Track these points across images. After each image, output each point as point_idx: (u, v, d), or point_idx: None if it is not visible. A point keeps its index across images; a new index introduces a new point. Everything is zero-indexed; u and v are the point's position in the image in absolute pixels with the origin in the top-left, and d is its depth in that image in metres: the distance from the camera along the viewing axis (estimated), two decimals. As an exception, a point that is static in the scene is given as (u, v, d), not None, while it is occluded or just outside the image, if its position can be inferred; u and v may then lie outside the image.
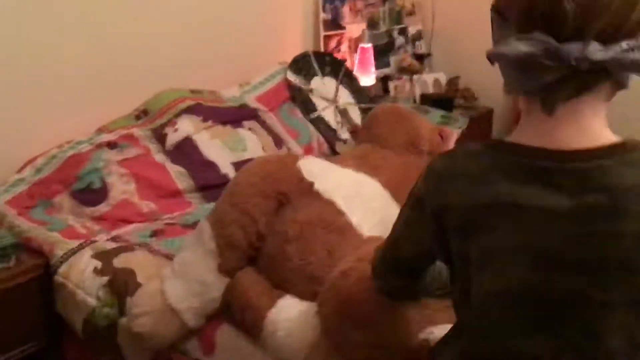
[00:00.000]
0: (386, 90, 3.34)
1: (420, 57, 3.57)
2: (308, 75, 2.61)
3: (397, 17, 3.50)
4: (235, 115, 2.32)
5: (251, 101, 2.43)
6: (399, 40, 3.53)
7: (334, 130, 2.51)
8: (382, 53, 3.38)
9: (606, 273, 0.78)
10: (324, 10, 3.02)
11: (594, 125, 0.79)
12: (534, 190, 0.79)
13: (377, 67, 3.23)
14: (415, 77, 3.44)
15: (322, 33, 3.02)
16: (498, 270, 0.82)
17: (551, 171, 0.79)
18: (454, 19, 3.54)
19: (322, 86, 2.63)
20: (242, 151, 2.21)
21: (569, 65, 0.73)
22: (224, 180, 2.02)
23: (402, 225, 0.98)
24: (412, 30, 3.59)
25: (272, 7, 2.79)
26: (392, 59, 3.48)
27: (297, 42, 2.90)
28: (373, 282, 1.10)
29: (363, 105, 2.68)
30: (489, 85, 3.40)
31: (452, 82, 3.48)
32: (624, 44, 0.73)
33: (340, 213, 1.47)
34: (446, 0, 3.53)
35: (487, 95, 3.43)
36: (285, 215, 1.47)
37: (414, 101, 3.27)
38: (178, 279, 1.51)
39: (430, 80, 3.46)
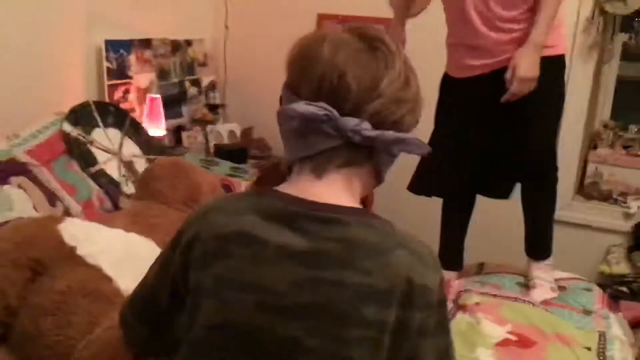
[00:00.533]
0: (179, 141, 3.27)
1: (214, 108, 3.56)
2: (88, 126, 2.45)
3: (189, 67, 3.47)
4: (0, 171, 2.10)
5: (21, 155, 2.21)
6: (192, 90, 3.49)
7: (118, 184, 2.38)
8: (174, 103, 3.31)
9: (324, 323, 0.81)
10: (107, 58, 2.89)
11: (348, 193, 0.90)
12: (278, 229, 0.85)
13: (169, 117, 3.15)
14: (209, 127, 3.42)
15: (106, 82, 2.89)
16: (224, 301, 0.84)
17: (299, 215, 0.86)
18: (246, 71, 3.60)
19: (105, 138, 2.49)
20: (7, 211, 1.98)
21: (343, 136, 0.85)
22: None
23: (158, 264, 0.99)
24: (205, 81, 3.58)
25: (48, 51, 2.60)
26: (185, 110, 3.43)
27: (77, 91, 2.72)
28: (120, 332, 1.05)
29: (151, 157, 2.58)
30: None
31: (246, 132, 3.51)
32: (390, 133, 0.86)
33: (107, 279, 1.36)
34: (238, 51, 3.58)
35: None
36: (43, 285, 1.32)
37: (208, 152, 3.24)
38: None
39: (224, 131, 3.46)
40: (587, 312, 2.04)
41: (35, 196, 2.11)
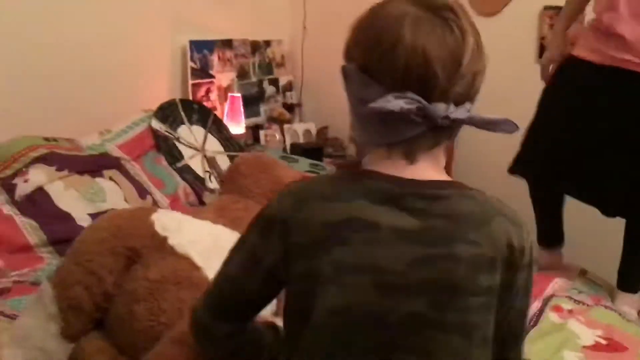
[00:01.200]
0: (257, 139, 3.34)
1: (290, 107, 3.61)
2: (175, 123, 2.54)
3: (267, 68, 3.53)
4: (94, 164, 2.21)
5: (113, 149, 2.32)
6: (270, 90, 3.55)
7: (202, 180, 2.45)
8: (252, 102, 3.38)
9: (444, 295, 0.85)
10: (192, 58, 2.98)
11: (439, 168, 0.91)
12: (387, 210, 0.86)
13: (248, 116, 3.23)
14: (286, 126, 3.47)
15: (190, 81, 2.98)
16: (343, 285, 0.85)
17: (404, 195, 0.87)
18: (322, 71, 3.62)
19: (190, 135, 2.58)
20: (101, 202, 2.09)
21: (433, 122, 0.84)
22: (80, 233, 1.90)
23: (242, 255, 0.96)
24: (282, 81, 3.64)
25: (136, 52, 2.72)
26: (263, 109, 3.49)
27: (162, 90, 2.83)
28: (192, 335, 1.04)
29: (232, 154, 2.64)
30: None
31: (321, 131, 3.54)
32: (467, 105, 0.87)
33: (196, 268, 1.41)
34: (315, 52, 3.61)
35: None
36: (136, 273, 1.38)
37: (285, 150, 3.29)
38: (17, 346, 1.37)
39: (300, 130, 3.50)
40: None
41: (126, 189, 2.21)
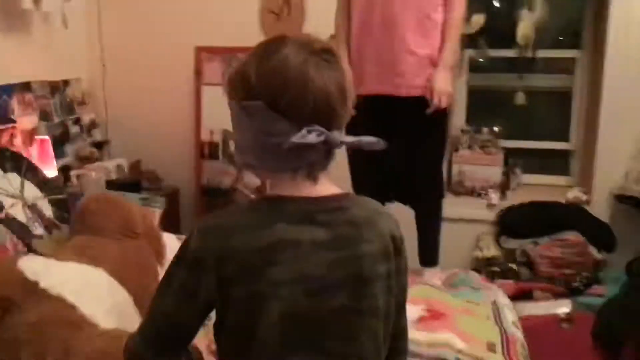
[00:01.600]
0: (67, 180, 3.26)
1: (99, 145, 3.59)
2: (-13, 172, 2.44)
3: (69, 107, 3.47)
4: None
5: None
6: (74, 129, 3.50)
7: (27, 227, 2.38)
8: (58, 144, 3.31)
9: (357, 287, 1.04)
10: (-8, 105, 2.86)
11: (330, 183, 1.08)
12: (304, 228, 1.01)
13: (55, 157, 3.16)
14: (96, 164, 3.44)
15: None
16: (281, 299, 0.99)
17: (315, 212, 1.03)
18: (127, 107, 3.66)
19: (7, 183, 2.48)
20: None
21: (331, 148, 1.02)
22: None
23: (175, 291, 1.03)
24: (86, 120, 3.60)
25: None
26: (70, 149, 3.43)
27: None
28: None
29: (53, 197, 2.60)
30: (170, 165, 3.60)
31: (134, 166, 3.56)
32: (364, 138, 1.06)
33: (72, 307, 1.45)
34: (117, 89, 3.64)
35: (171, 175, 3.60)
36: (13, 320, 1.38)
37: (102, 188, 3.26)
38: None
39: (112, 166, 3.49)
40: (476, 289, 2.38)
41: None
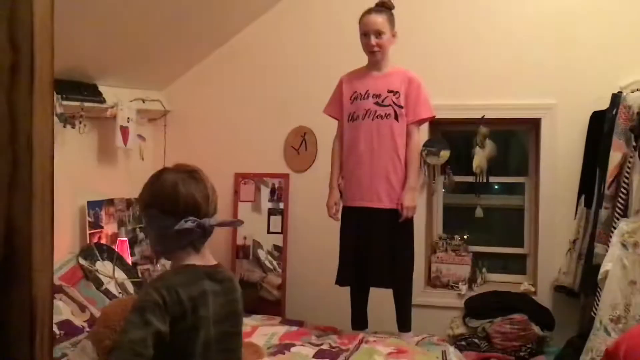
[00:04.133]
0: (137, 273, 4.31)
1: (158, 247, 4.65)
2: (92, 259, 3.50)
3: (139, 218, 4.59)
4: (45, 291, 3.09)
5: (56, 280, 3.21)
6: (141, 235, 4.59)
7: (118, 297, 3.41)
8: (130, 244, 4.39)
9: (235, 319, 1.74)
10: (88, 215, 3.97)
11: (209, 253, 1.72)
12: (209, 282, 1.65)
13: (129, 255, 4.22)
14: (156, 261, 4.49)
15: (88, 231, 3.95)
16: (204, 328, 1.61)
17: (213, 274, 1.68)
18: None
19: (103, 267, 3.54)
20: (58, 314, 2.98)
21: (205, 230, 1.62)
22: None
23: (141, 327, 1.49)
24: (149, 227, 4.69)
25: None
26: (137, 250, 4.50)
27: (69, 239, 3.77)
28: None
29: (134, 280, 3.64)
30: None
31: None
32: (226, 219, 1.99)
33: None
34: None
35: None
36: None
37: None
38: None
39: (168, 264, 4.53)
40: (435, 344, 3.31)
41: (71, 306, 3.12)
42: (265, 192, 4.64)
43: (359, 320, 3.60)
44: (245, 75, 4.71)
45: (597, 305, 3.12)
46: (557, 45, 4.10)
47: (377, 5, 3.37)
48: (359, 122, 3.43)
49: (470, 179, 4.37)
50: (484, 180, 4.25)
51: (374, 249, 3.37)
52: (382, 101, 3.40)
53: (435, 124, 4.42)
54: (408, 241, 3.52)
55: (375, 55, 3.39)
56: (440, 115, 4.33)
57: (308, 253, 4.53)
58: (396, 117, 3.38)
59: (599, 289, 3.17)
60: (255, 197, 4.66)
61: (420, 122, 3.49)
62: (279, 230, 4.60)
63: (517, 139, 4.88)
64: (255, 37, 4.68)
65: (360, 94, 3.44)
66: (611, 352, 2.12)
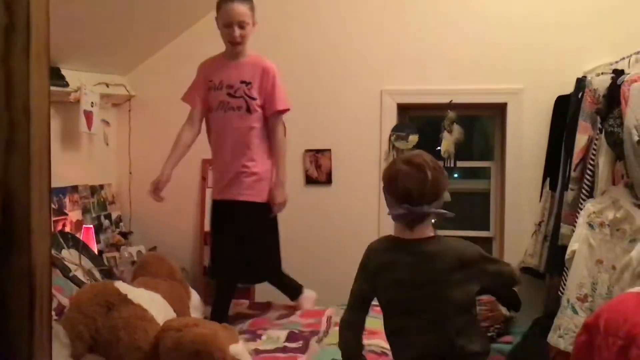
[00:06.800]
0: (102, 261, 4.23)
1: (124, 235, 4.58)
2: (58, 247, 3.42)
3: (102, 205, 4.50)
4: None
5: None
6: (106, 222, 4.51)
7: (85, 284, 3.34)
8: (95, 232, 4.30)
9: (428, 288, 2.05)
10: (52, 201, 3.88)
11: (425, 229, 2.08)
12: (401, 254, 2.07)
13: (93, 243, 4.14)
14: (122, 248, 4.42)
15: (52, 218, 3.85)
16: (389, 291, 2.10)
17: (407, 246, 2.07)
18: (147, 205, 4.67)
19: (69, 255, 3.46)
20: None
21: (416, 214, 1.99)
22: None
23: (356, 279, 2.16)
24: (115, 215, 4.62)
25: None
26: (102, 237, 4.42)
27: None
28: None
29: (101, 268, 3.58)
30: (179, 250, 4.58)
31: (152, 250, 4.54)
32: (434, 204, 2.01)
33: (146, 310, 2.41)
34: (139, 191, 4.67)
35: (179, 258, 4.57)
36: (113, 315, 2.34)
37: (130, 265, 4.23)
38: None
39: (134, 251, 4.47)
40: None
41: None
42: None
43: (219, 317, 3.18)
44: (211, 60, 4.65)
45: (564, 284, 3.19)
46: (523, 30, 4.17)
47: None
48: (214, 114, 3.33)
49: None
50: (452, 165, 4.29)
51: (236, 242, 3.25)
52: (235, 92, 3.25)
53: (405, 109, 4.45)
54: (272, 235, 3.43)
55: (236, 47, 3.23)
56: (408, 100, 4.38)
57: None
58: (248, 109, 3.23)
59: (565, 269, 3.24)
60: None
61: (278, 114, 3.34)
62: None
63: (480, 124, 4.95)
64: (221, 21, 4.62)
65: (215, 84, 3.31)
66: (591, 324, 2.17)
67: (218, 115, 3.28)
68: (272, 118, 3.29)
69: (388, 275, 2.06)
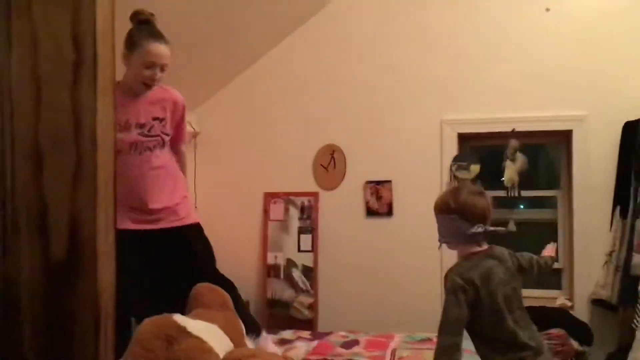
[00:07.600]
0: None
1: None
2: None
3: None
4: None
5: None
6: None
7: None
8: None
9: (516, 293, 2.38)
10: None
11: (485, 243, 2.44)
12: (494, 263, 2.37)
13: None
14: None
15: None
16: (498, 290, 2.31)
17: (487, 254, 2.37)
18: (215, 237, 4.77)
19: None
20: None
21: (487, 232, 2.36)
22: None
23: (455, 306, 2.25)
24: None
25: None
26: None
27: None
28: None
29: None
30: (243, 282, 4.62)
31: (216, 283, 4.61)
32: (499, 228, 2.42)
33: (205, 342, 2.44)
34: (205, 224, 4.76)
35: (243, 290, 4.61)
36: (174, 348, 2.38)
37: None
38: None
39: (199, 284, 4.54)
40: None
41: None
42: (294, 210, 4.65)
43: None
44: (272, 96, 4.76)
45: (639, 317, 3.05)
46: (586, 56, 4.08)
47: (159, 34, 2.89)
48: (125, 157, 2.86)
49: (502, 193, 4.32)
50: (516, 194, 4.20)
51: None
52: (149, 131, 2.94)
53: (465, 138, 4.41)
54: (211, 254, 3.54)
55: (150, 89, 2.92)
56: (469, 129, 4.35)
57: (339, 271, 4.51)
58: (162, 145, 3.00)
59: (638, 301, 3.10)
60: (285, 216, 4.66)
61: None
62: (309, 249, 4.59)
63: (545, 152, 4.84)
64: (280, 58, 4.74)
65: (120, 125, 2.81)
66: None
67: (132, 159, 2.92)
68: (179, 148, 3.17)
69: (491, 281, 2.31)
